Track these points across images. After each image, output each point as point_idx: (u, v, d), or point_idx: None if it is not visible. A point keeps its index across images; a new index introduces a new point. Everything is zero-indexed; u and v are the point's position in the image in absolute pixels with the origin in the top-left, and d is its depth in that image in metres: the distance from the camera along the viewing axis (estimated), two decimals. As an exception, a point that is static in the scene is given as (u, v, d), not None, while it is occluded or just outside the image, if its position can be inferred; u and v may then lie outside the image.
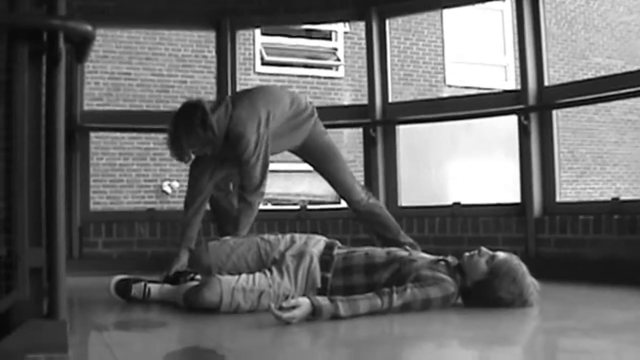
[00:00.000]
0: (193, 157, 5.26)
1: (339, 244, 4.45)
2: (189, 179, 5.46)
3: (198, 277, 4.66)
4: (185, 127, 5.02)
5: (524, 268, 4.08)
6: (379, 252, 4.32)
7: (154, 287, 4.65)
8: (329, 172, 5.64)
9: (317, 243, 4.38)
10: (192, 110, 5.08)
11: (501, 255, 4.11)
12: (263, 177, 5.17)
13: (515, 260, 4.10)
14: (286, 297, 4.04)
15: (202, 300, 4.09)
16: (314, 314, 3.63)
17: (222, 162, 5.34)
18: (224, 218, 5.56)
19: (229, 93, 6.98)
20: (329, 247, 4.36)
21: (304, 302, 3.65)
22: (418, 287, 3.91)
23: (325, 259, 4.26)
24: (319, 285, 4.16)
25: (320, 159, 5.59)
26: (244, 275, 4.16)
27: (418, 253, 4.34)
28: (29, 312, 2.79)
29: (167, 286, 4.67)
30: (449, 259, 4.22)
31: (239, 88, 7.08)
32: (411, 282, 3.96)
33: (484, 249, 4.15)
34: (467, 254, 4.17)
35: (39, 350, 2.74)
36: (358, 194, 5.61)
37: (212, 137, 5.04)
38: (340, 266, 4.21)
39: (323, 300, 3.69)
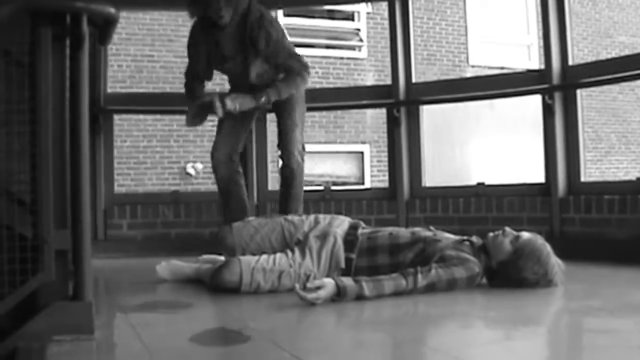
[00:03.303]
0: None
1: (363, 225, 4.46)
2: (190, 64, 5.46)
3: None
4: None
5: (548, 248, 4.07)
6: (403, 232, 4.31)
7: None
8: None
9: (341, 223, 4.38)
10: None
11: (525, 235, 4.10)
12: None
13: (539, 240, 4.10)
14: (307, 277, 4.05)
15: (222, 280, 4.11)
16: (339, 294, 3.64)
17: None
18: (232, 204, 5.46)
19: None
20: (353, 228, 4.36)
21: (329, 282, 3.65)
22: (443, 268, 3.91)
23: (350, 239, 4.26)
24: (343, 265, 4.17)
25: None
26: (264, 256, 4.18)
27: (442, 233, 4.33)
28: (55, 294, 2.81)
29: (205, 266, 4.70)
30: (473, 239, 4.22)
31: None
32: (436, 262, 3.96)
33: (508, 229, 4.14)
34: (491, 234, 4.17)
35: (65, 332, 2.76)
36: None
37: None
38: (365, 246, 4.22)
39: (347, 281, 3.70)
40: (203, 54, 5.27)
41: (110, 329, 3.38)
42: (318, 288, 3.61)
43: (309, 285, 3.65)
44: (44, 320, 2.75)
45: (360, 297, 3.68)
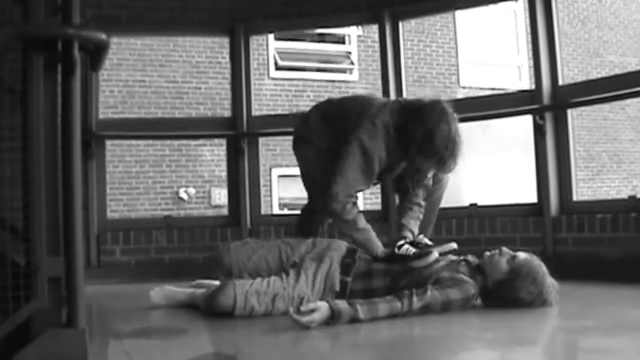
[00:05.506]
0: None
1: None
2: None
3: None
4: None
5: (544, 269, 4.07)
6: (399, 255, 4.31)
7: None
8: None
9: (339, 247, 4.38)
10: None
11: (522, 255, 4.10)
12: None
13: (536, 260, 4.09)
14: (301, 300, 4.03)
15: (217, 304, 4.09)
16: (333, 317, 3.62)
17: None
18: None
19: (244, 99, 7.00)
20: (350, 251, 4.36)
21: (323, 305, 3.64)
22: (438, 289, 3.90)
23: (347, 262, 4.26)
24: (337, 288, 4.16)
25: None
26: (258, 279, 4.17)
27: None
28: (48, 321, 2.79)
29: (199, 291, 4.67)
30: (469, 258, 4.22)
31: (253, 93, 7.10)
32: (431, 284, 3.95)
33: (505, 248, 4.14)
34: (487, 253, 4.17)
35: (59, 359, 2.74)
36: None
37: None
38: (361, 270, 4.22)
39: (342, 304, 3.68)
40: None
41: (104, 355, 3.37)
42: (312, 311, 3.60)
43: (302, 308, 3.63)
44: (38, 348, 2.73)
45: (354, 320, 3.66)
